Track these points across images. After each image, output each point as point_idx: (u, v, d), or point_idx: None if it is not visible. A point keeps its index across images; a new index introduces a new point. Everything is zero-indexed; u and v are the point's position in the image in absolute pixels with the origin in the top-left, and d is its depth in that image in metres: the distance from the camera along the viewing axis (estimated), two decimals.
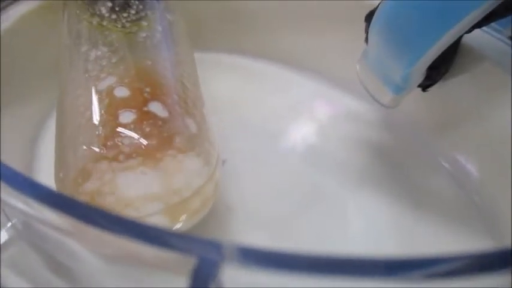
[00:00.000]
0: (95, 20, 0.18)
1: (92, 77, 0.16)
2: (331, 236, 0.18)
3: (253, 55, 0.27)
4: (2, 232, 0.12)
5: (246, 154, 0.21)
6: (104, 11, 0.18)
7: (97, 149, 0.15)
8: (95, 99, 0.15)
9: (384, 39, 0.17)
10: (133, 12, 0.18)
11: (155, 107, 0.15)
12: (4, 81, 0.20)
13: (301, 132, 0.23)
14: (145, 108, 0.15)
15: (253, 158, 0.21)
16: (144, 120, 0.15)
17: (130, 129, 0.15)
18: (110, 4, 0.18)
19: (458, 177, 0.20)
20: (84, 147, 0.15)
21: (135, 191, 0.15)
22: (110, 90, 0.16)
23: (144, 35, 0.18)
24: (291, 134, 0.23)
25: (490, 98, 0.19)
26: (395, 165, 0.21)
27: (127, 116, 0.15)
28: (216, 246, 0.10)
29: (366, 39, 0.20)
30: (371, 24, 0.18)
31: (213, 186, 0.16)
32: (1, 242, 0.12)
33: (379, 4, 0.19)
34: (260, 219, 0.19)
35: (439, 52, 0.16)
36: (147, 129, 0.15)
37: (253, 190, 0.20)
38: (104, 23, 0.18)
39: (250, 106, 0.24)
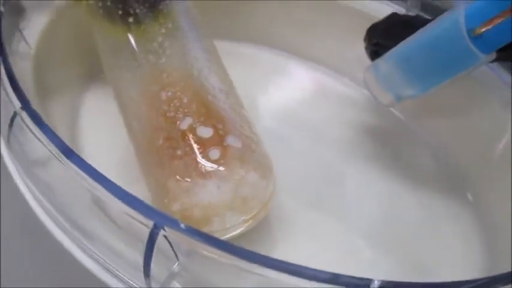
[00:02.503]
0: (153, 58, 0.21)
1: (170, 117, 0.20)
2: (334, 204, 0.24)
3: (243, 40, 0.31)
4: (174, 267, 0.16)
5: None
6: (156, 46, 0.21)
7: (188, 179, 0.19)
8: (181, 138, 0.19)
9: (398, 71, 0.22)
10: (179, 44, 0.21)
11: (231, 141, 0.20)
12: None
13: (304, 114, 0.29)
14: (225, 143, 0.19)
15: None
16: (228, 154, 0.19)
17: (220, 164, 0.19)
18: (160, 39, 0.21)
19: (438, 153, 0.27)
20: (178, 177, 0.19)
21: (218, 205, 0.19)
22: (192, 130, 0.19)
23: (197, 66, 0.21)
24: (293, 116, 0.28)
25: (460, 95, 0.25)
26: (386, 143, 0.27)
27: (214, 153, 0.19)
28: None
29: (366, 48, 0.25)
30: (387, 55, 0.22)
31: (273, 198, 0.21)
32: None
33: (383, 18, 0.24)
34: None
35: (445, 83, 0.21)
36: (232, 162, 0.19)
37: None
38: (163, 60, 0.21)
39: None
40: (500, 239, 0.22)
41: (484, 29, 0.18)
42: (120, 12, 0.22)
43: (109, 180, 0.15)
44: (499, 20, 0.17)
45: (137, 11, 0.22)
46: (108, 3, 0.22)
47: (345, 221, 0.24)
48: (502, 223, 0.22)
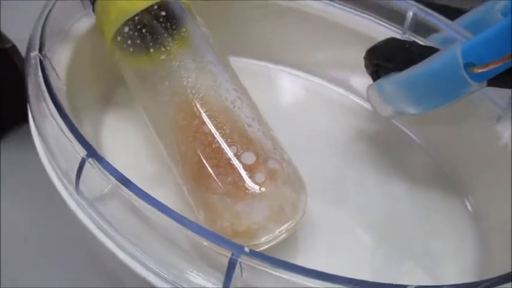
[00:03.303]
0: (191, 93, 0.23)
1: (216, 148, 0.22)
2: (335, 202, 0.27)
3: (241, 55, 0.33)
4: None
5: None
6: (192, 80, 0.23)
7: (238, 201, 0.22)
8: (229, 166, 0.22)
9: (400, 93, 0.25)
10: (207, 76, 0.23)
11: (271, 164, 0.22)
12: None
13: (304, 122, 0.31)
14: (267, 167, 0.22)
15: None
16: (270, 177, 0.22)
17: (265, 186, 0.21)
18: (194, 75, 0.23)
19: (433, 155, 0.30)
20: (228, 200, 0.22)
21: (264, 222, 0.22)
22: (238, 157, 0.22)
23: (231, 98, 0.23)
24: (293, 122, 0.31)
25: (453, 108, 0.27)
26: (385, 149, 0.31)
27: (260, 177, 0.22)
28: None
29: (366, 67, 0.28)
30: (390, 79, 0.25)
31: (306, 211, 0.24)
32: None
33: (383, 41, 0.27)
34: None
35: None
36: (274, 183, 0.22)
37: None
38: (201, 95, 0.23)
39: None
40: (494, 240, 0.26)
41: (481, 70, 0.21)
42: (151, 50, 0.23)
43: (187, 220, 0.18)
44: (496, 65, 0.21)
45: (168, 48, 0.23)
46: (138, 41, 0.24)
47: (353, 226, 0.26)
48: (496, 224, 0.26)
